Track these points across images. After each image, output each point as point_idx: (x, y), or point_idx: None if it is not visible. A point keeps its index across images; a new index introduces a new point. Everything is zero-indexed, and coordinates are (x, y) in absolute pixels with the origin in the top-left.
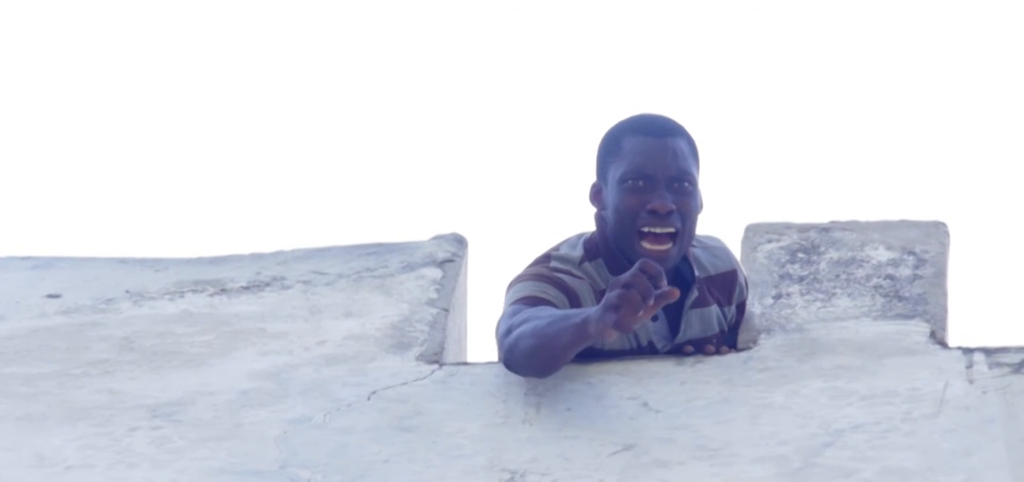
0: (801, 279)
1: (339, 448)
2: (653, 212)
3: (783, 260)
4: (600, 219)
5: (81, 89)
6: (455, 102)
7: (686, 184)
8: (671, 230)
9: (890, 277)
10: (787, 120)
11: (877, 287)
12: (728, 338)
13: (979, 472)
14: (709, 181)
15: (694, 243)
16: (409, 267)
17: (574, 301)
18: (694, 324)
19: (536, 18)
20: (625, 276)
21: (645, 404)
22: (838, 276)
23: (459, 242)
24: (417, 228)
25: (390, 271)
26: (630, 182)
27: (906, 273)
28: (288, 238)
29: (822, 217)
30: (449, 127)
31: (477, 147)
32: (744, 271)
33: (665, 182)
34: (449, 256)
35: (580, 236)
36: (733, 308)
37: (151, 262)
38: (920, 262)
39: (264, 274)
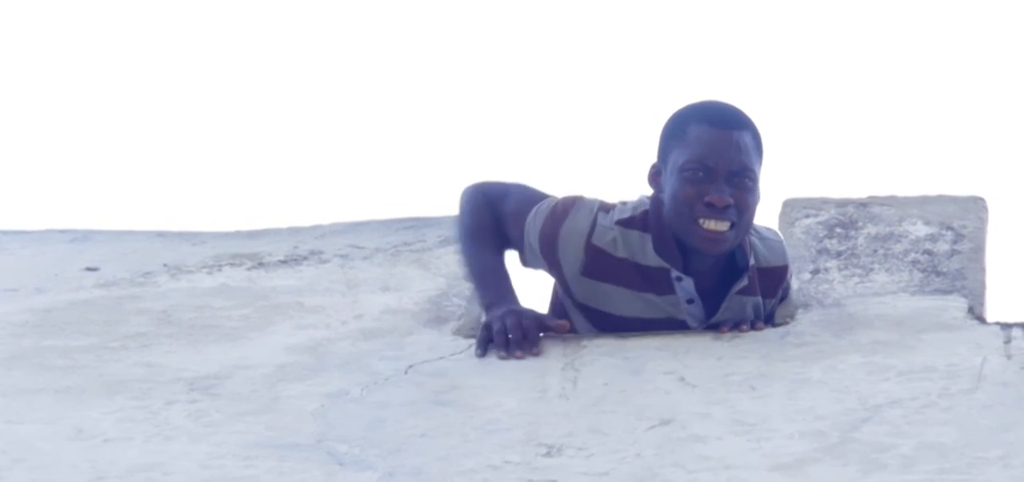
0: (839, 254)
1: (376, 422)
2: (710, 204)
3: (821, 235)
4: (656, 200)
5: (120, 63)
6: (491, 76)
7: (747, 180)
8: (725, 226)
9: (928, 252)
10: (825, 95)
11: (915, 262)
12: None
13: (1017, 447)
14: None
15: (752, 232)
16: (446, 241)
17: (545, 252)
18: (734, 308)
19: None
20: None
21: (682, 379)
22: (876, 251)
23: None
24: (454, 203)
25: (427, 245)
26: (690, 172)
27: (944, 248)
28: (325, 212)
29: (860, 192)
30: (485, 101)
31: (514, 121)
32: (791, 268)
33: (725, 176)
34: None
35: (633, 204)
36: (774, 301)
37: (189, 236)
38: (958, 237)
39: (301, 248)
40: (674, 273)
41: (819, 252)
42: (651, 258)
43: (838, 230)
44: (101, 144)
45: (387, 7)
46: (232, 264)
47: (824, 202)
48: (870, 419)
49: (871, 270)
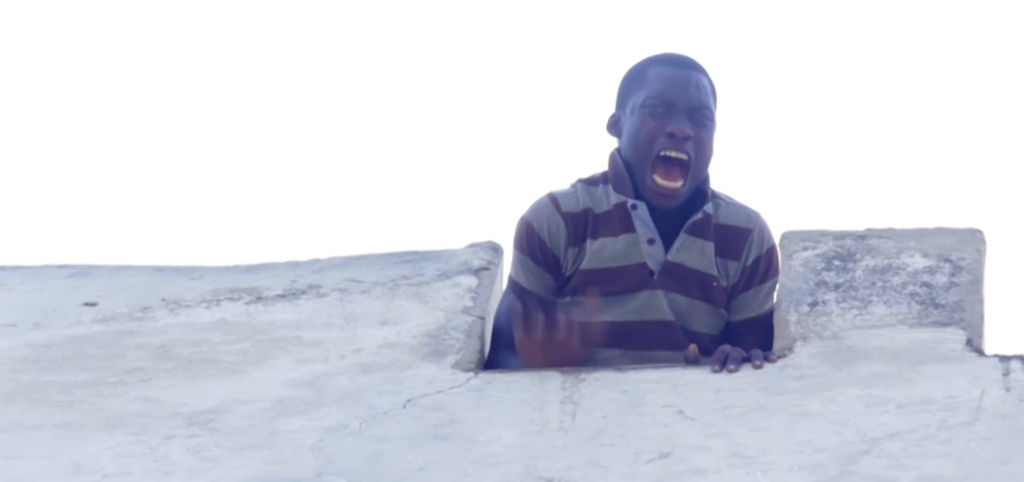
0: (837, 287)
1: (375, 456)
2: (671, 135)
3: (819, 268)
4: (614, 155)
5: (117, 97)
6: (492, 110)
7: (706, 118)
8: (685, 157)
9: (926, 284)
10: (823, 127)
11: (913, 295)
12: (763, 339)
13: (1016, 480)
14: (746, 189)
15: (728, 202)
16: (445, 275)
17: (545, 256)
18: (693, 250)
19: (577, 25)
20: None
21: (681, 412)
22: (874, 283)
23: (494, 250)
24: (453, 236)
25: (426, 279)
26: (651, 107)
27: (942, 280)
28: (324, 246)
29: (858, 224)
30: (485, 135)
31: (512, 155)
32: (768, 245)
33: (685, 111)
34: (484, 264)
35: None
36: (738, 266)
37: (187, 270)
38: (956, 269)
39: (300, 282)
40: (630, 202)
41: (817, 285)
42: (613, 199)
43: (836, 262)
44: (99, 179)
45: (384, 41)
46: (230, 298)
47: (822, 235)
48: (869, 452)
49: (869, 302)
